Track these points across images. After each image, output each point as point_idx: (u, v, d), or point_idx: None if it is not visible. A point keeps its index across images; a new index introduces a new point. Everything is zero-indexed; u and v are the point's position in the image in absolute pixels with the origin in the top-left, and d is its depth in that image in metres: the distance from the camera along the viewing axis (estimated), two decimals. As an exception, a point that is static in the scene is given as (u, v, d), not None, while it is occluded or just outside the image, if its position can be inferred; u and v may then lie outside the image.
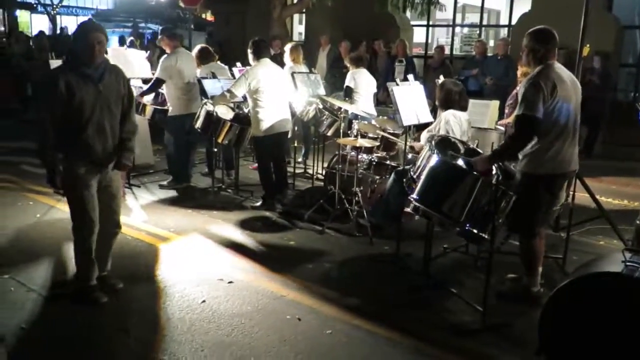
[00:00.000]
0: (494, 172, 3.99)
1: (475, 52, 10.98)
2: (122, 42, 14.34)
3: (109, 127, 3.78)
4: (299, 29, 17.43)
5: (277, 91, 6.07)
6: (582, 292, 3.07)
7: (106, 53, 4.11)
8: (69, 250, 4.90)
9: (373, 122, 6.81)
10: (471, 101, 5.67)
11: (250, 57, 6.14)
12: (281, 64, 7.68)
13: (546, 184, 3.95)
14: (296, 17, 16.88)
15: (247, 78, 5.89)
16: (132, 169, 7.04)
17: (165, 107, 6.92)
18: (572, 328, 3.11)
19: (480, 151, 4.35)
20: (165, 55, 6.78)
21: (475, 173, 3.82)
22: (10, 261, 4.60)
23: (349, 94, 7.46)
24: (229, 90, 5.94)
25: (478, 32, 14.50)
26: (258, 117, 5.98)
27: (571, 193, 4.77)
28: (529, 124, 3.74)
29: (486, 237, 3.80)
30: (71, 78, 3.61)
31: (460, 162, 4.12)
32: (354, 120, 6.27)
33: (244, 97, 6.12)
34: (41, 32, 15.60)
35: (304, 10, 15.21)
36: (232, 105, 6.61)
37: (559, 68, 3.93)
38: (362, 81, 7.54)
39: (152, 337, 3.62)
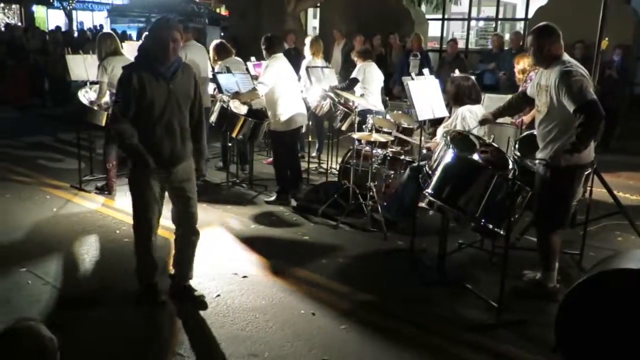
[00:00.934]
0: (510, 166, 3.96)
1: (492, 46, 10.87)
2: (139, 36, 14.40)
3: (178, 128, 3.64)
4: (313, 23, 17.42)
5: (292, 86, 6.10)
6: (600, 289, 3.04)
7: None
8: (86, 244, 4.96)
9: (388, 116, 6.75)
10: (487, 96, 5.64)
11: (264, 52, 6.14)
12: (295, 58, 7.68)
13: (572, 175, 3.92)
14: (310, 11, 16.86)
15: (273, 67, 5.91)
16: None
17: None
18: (589, 325, 3.07)
19: (496, 145, 4.31)
20: None
21: (490, 168, 3.79)
22: (27, 255, 4.65)
23: (352, 85, 7.34)
24: (260, 83, 5.92)
25: (494, 25, 14.38)
26: (277, 111, 5.98)
27: (588, 188, 4.71)
28: (596, 107, 3.66)
29: (502, 232, 3.77)
30: (143, 75, 3.51)
31: (475, 156, 4.08)
32: (369, 115, 6.24)
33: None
34: (57, 28, 15.73)
35: (318, 5, 15.18)
36: (258, 98, 6.59)
37: (575, 62, 3.93)
38: (372, 75, 7.47)
39: (167, 330, 3.65)
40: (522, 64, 6.07)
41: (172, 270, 4.08)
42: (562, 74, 3.78)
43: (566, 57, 3.94)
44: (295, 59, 8.12)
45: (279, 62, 6.01)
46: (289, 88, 6.01)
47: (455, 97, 5.02)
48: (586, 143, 3.78)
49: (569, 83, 3.73)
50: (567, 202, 4.01)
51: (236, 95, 6.15)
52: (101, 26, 21.28)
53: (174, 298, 3.96)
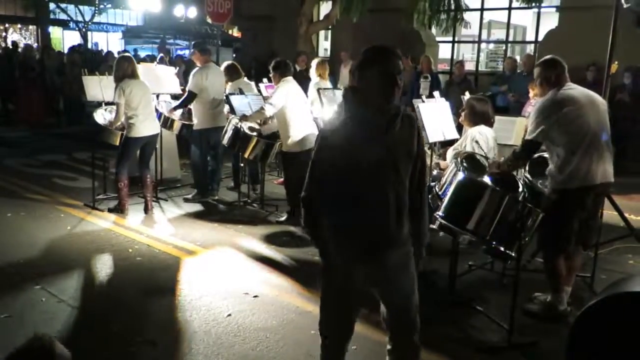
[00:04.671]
0: (520, 189, 3.99)
1: (505, 68, 10.94)
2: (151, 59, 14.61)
3: (392, 198, 2.54)
4: (324, 45, 17.59)
5: (303, 107, 6.20)
6: (611, 312, 3.03)
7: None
8: (99, 262, 5.02)
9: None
10: (497, 118, 5.67)
11: (275, 76, 6.25)
12: (307, 80, 7.76)
13: (570, 198, 3.95)
14: (322, 33, 17.04)
15: (283, 89, 6.01)
16: (159, 182, 7.24)
17: (192, 122, 7.04)
18: (600, 348, 3.06)
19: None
20: (195, 69, 6.92)
21: (501, 190, 3.82)
22: (41, 272, 4.70)
23: None
24: (269, 103, 6.03)
25: (504, 48, 14.45)
26: (289, 133, 6.06)
27: (600, 211, 4.71)
28: (526, 148, 4.09)
29: (513, 254, 3.78)
30: (347, 126, 2.52)
31: (486, 178, 4.11)
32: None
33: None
34: (73, 48, 16.01)
35: (329, 27, 15.36)
36: (259, 121, 6.70)
37: (571, 88, 4.02)
38: None
39: (179, 349, 3.67)
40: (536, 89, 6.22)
41: None
42: (538, 104, 4.08)
43: (566, 87, 4.03)
44: (307, 80, 8.22)
45: (289, 85, 6.10)
46: (300, 109, 6.11)
47: (468, 118, 5.05)
48: (503, 168, 4.14)
49: (533, 113, 4.05)
50: (568, 226, 4.01)
51: (244, 118, 6.26)
52: (124, 50, 21.64)
53: None
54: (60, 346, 1.81)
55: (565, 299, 4.16)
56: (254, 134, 6.56)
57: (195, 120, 6.96)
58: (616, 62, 5.43)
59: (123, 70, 6.07)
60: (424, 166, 2.70)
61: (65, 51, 17.17)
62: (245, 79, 7.83)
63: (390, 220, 2.56)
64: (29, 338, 1.87)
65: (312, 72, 7.97)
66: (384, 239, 2.58)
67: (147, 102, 6.17)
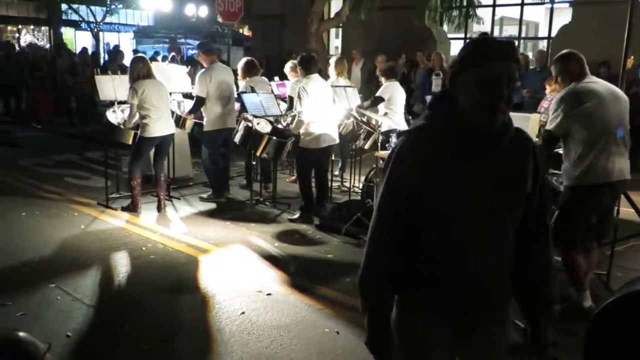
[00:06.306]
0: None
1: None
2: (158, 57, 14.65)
3: (494, 242, 1.87)
4: (335, 43, 17.58)
5: (326, 105, 6.16)
6: (629, 310, 2.99)
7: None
8: (113, 261, 5.04)
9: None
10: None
11: (300, 72, 6.23)
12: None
13: (585, 195, 3.91)
14: (333, 31, 17.03)
15: (307, 92, 5.96)
16: (172, 181, 7.26)
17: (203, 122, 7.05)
18: (618, 347, 3.02)
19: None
20: (200, 71, 6.92)
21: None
22: (56, 271, 4.73)
23: (376, 103, 7.36)
24: (300, 113, 6.03)
25: (516, 44, 14.37)
26: (309, 130, 6.04)
27: (615, 208, 4.66)
28: (545, 140, 4.01)
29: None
30: (436, 150, 1.83)
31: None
32: (391, 134, 6.26)
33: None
34: (85, 49, 16.09)
35: (340, 25, 15.34)
36: (270, 119, 6.69)
37: (593, 81, 3.94)
38: (396, 95, 7.46)
39: (192, 348, 3.67)
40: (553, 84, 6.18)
41: None
42: (558, 96, 4.01)
43: (587, 79, 3.97)
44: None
45: (312, 84, 6.06)
46: (323, 107, 6.08)
47: None
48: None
49: (553, 105, 3.99)
50: (575, 220, 3.99)
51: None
52: (135, 51, 21.72)
53: None
54: (28, 336, 1.60)
55: (588, 296, 4.10)
56: (268, 127, 6.54)
57: (205, 121, 6.96)
58: (632, 57, 5.35)
59: (137, 70, 6.08)
60: (543, 194, 1.99)
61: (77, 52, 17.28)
62: (263, 77, 7.80)
63: (489, 271, 1.88)
64: None
65: (331, 70, 7.93)
66: (496, 294, 1.94)
67: (161, 101, 6.17)
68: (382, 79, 7.55)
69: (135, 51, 17.28)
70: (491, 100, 1.78)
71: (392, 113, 7.27)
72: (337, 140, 6.46)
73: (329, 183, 6.94)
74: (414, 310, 1.95)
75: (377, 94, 7.53)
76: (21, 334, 1.55)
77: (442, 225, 1.84)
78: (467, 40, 1.77)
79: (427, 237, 1.87)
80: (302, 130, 6.12)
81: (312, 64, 6.23)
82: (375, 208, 1.93)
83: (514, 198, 1.88)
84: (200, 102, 6.76)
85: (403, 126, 7.18)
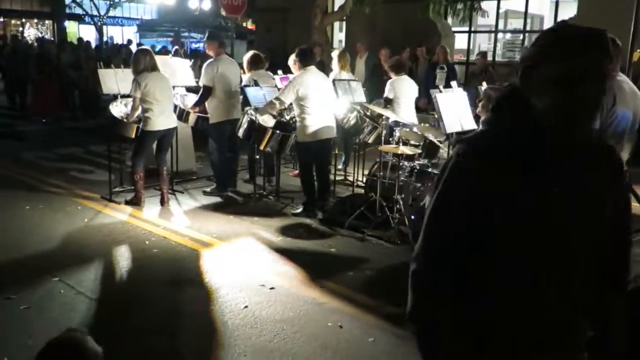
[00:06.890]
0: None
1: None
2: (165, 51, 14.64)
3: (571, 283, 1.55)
4: (339, 36, 17.52)
5: (323, 98, 6.12)
6: (634, 307, 2.97)
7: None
8: (116, 254, 5.04)
9: (415, 129, 6.73)
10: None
11: (297, 64, 6.20)
12: (323, 71, 7.70)
13: None
14: (336, 24, 16.98)
15: (294, 85, 5.95)
16: (175, 175, 7.26)
17: (207, 115, 7.02)
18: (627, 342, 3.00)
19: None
20: (207, 62, 6.89)
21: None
22: (59, 264, 4.73)
23: (388, 104, 7.34)
24: (277, 98, 6.01)
25: (521, 37, 14.29)
26: (305, 123, 6.02)
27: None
28: None
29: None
30: (502, 164, 1.49)
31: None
32: (395, 128, 6.23)
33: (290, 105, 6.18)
34: (88, 42, 16.09)
35: (344, 18, 15.29)
36: (274, 112, 6.66)
37: (621, 79, 3.92)
38: (402, 89, 7.40)
39: (196, 341, 3.67)
40: None
41: None
42: None
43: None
44: (324, 71, 8.16)
45: (308, 76, 6.03)
46: (318, 100, 6.03)
47: (487, 108, 4.99)
48: None
49: None
50: None
51: (256, 110, 6.25)
52: (129, 41, 21.73)
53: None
54: (92, 342, 1.77)
55: None
56: (271, 121, 6.52)
57: (210, 114, 6.94)
58: (638, 50, 5.31)
59: (141, 63, 6.06)
60: (628, 221, 1.63)
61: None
62: (268, 71, 7.77)
63: (563, 314, 1.55)
64: (61, 332, 1.85)
65: (335, 64, 7.89)
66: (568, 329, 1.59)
67: (164, 95, 6.15)
68: (392, 74, 7.49)
69: (139, 44, 17.27)
70: (575, 103, 1.40)
71: (397, 107, 7.24)
72: (335, 134, 6.44)
73: (332, 177, 6.93)
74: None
75: (385, 94, 7.46)
76: (88, 340, 1.65)
77: (521, 267, 1.50)
78: (547, 28, 1.44)
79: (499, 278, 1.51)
80: (297, 124, 6.10)
81: (309, 56, 6.20)
82: (424, 230, 1.59)
83: (592, 226, 1.51)
84: (207, 91, 6.74)
85: (409, 120, 7.14)
